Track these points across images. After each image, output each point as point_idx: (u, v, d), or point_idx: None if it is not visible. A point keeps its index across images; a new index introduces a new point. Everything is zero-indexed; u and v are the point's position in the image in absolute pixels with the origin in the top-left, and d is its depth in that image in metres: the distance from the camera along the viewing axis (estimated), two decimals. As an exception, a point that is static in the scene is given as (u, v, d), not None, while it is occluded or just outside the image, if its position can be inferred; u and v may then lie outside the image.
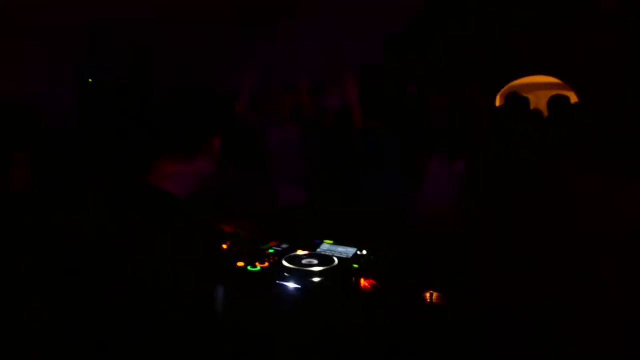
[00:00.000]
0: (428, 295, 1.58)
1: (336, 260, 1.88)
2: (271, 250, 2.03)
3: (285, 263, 1.84)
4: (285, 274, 1.80)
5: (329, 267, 1.82)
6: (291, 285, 1.74)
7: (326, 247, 2.10)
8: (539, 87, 5.96)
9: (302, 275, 1.78)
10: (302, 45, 4.49)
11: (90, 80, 2.42)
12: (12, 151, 1.91)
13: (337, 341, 1.60)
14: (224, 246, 2.03)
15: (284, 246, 2.09)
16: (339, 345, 1.60)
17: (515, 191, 1.99)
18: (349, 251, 2.04)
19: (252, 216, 2.29)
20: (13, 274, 1.56)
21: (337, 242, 2.13)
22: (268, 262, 1.88)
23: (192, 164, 1.39)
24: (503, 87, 5.98)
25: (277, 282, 1.75)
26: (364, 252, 2.00)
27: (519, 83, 5.95)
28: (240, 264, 1.86)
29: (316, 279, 1.78)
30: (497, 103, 5.95)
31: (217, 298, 1.58)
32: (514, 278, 1.67)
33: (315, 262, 1.87)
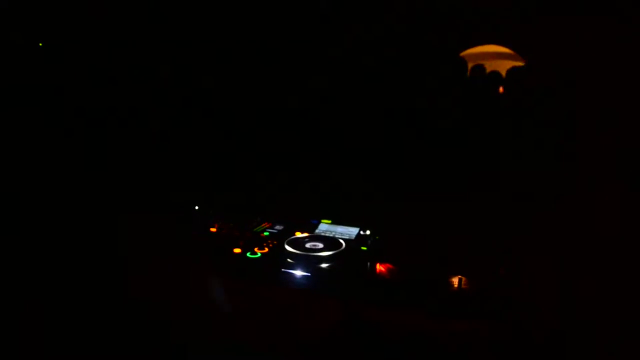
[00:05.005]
0: (456, 280, 1.44)
1: (343, 242, 1.70)
2: (266, 233, 1.82)
3: (288, 247, 1.64)
4: (289, 260, 1.60)
5: (337, 250, 1.64)
6: (298, 272, 1.54)
7: (325, 227, 1.91)
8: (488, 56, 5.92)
9: (308, 261, 1.59)
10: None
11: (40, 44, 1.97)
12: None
13: (353, 336, 1.44)
14: (213, 229, 1.81)
15: (278, 227, 1.89)
16: (356, 341, 1.43)
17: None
18: (350, 231, 1.86)
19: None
20: None
21: (336, 222, 1.95)
22: (267, 246, 1.68)
23: None
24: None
25: (282, 269, 1.55)
26: (367, 232, 1.83)
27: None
28: (237, 250, 1.64)
29: (324, 265, 1.60)
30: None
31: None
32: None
33: (320, 245, 1.68)
